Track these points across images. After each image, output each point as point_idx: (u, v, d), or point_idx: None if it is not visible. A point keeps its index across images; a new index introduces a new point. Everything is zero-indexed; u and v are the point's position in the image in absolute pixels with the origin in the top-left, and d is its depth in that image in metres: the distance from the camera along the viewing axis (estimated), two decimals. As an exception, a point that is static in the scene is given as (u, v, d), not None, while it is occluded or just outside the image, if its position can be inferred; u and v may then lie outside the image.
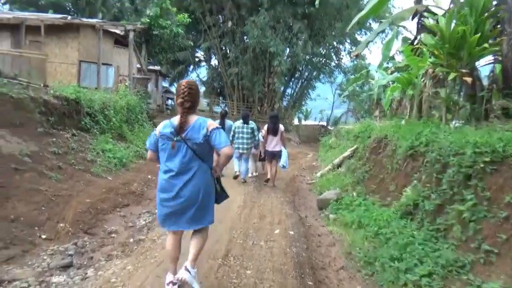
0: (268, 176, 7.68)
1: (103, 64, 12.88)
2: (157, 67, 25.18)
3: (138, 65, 15.63)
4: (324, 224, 5.49)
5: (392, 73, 17.59)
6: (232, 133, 7.59)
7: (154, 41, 14.28)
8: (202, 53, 29.20)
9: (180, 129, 2.72)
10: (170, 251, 2.91)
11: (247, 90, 25.82)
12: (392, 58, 17.91)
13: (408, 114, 11.53)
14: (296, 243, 4.25)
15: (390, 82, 18.60)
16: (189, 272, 2.70)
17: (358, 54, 15.38)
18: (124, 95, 9.89)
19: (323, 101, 39.97)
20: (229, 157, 2.80)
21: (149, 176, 7.42)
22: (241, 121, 7.76)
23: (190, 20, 20.02)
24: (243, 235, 4.28)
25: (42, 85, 7.35)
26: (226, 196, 3.15)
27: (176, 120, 2.79)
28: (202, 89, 32.24)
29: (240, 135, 7.60)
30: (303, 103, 33.33)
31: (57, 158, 5.79)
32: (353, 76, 33.97)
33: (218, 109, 32.20)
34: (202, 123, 2.77)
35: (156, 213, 3.03)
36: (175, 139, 2.72)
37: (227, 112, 10.20)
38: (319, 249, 4.41)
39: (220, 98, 32.02)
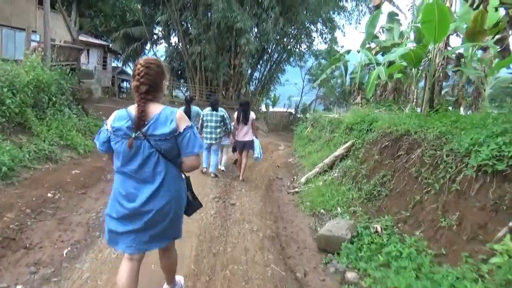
0: (240, 176, 7.18)
1: (15, 28, 9.69)
2: (105, 43, 21.57)
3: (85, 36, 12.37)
4: (341, 294, 3.05)
5: (377, 53, 15.58)
6: (200, 121, 7.12)
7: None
8: (160, 28, 25.84)
9: (139, 121, 2.04)
10: (123, 284, 2.13)
11: (210, 72, 22.91)
12: (376, 36, 15.78)
13: (414, 100, 9.35)
14: None
15: (374, 65, 16.69)
16: None
17: (379, 4, 13.12)
18: (32, 67, 6.88)
19: (292, 86, 37.77)
20: (193, 169, 2.25)
21: (50, 194, 4.65)
22: (209, 108, 7.09)
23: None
24: None
25: None
26: (199, 205, 2.48)
27: (133, 109, 2.09)
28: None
29: (209, 123, 7.02)
30: (271, 88, 30.77)
31: None
32: (324, 61, 31.98)
33: (179, 93, 29.17)
34: (169, 115, 2.09)
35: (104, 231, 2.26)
36: (133, 135, 2.04)
37: (192, 97, 8.44)
38: None
39: (181, 81, 28.89)
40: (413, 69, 8.41)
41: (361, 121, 7.74)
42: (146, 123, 2.05)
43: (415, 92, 9.56)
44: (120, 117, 2.11)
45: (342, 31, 28.50)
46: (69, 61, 8.96)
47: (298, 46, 27.91)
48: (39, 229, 3.75)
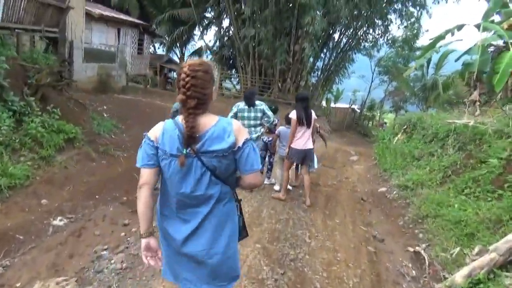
0: (307, 203, 5.33)
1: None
2: (141, 22, 18.26)
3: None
4: None
5: (510, 27, 10.60)
6: (234, 116, 5.55)
7: None
8: (210, 9, 22.45)
9: (189, 138, 1.70)
10: None
11: (265, 59, 19.08)
12: (506, 5, 10.86)
13: None
14: None
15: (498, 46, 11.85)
16: None
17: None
18: None
19: (357, 79, 32.74)
20: (254, 187, 2.00)
21: None
22: (243, 103, 5.58)
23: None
24: None
25: None
26: (245, 235, 2.07)
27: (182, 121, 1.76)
28: (207, 58, 25.60)
29: (246, 121, 5.51)
30: (336, 80, 26.11)
31: None
32: (400, 49, 26.60)
33: (228, 85, 25.74)
34: (227, 127, 1.75)
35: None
36: (184, 152, 1.71)
37: (254, 92, 6.05)
38: None
39: (233, 70, 25.33)
40: None
41: None
42: (199, 137, 1.71)
43: None
44: (168, 129, 1.74)
45: (428, 12, 22.81)
46: (36, 24, 5.54)
47: (371, 31, 23.12)
48: None
